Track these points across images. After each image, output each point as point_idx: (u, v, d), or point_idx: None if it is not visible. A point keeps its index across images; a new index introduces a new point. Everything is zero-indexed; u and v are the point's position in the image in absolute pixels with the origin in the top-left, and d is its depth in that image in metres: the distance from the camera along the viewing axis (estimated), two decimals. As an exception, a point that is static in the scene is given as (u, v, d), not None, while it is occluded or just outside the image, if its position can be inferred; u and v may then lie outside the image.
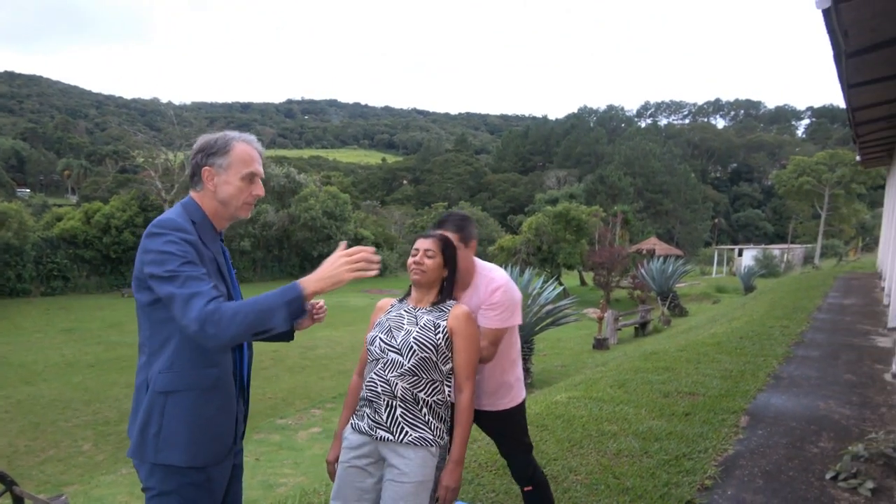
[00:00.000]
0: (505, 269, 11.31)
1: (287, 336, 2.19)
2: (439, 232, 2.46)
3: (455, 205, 57.58)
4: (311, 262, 39.59)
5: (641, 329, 17.57)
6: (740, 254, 47.58)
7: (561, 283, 32.55)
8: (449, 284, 2.41)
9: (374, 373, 2.23)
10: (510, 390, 2.70)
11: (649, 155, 77.78)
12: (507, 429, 2.73)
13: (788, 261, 42.50)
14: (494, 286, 2.51)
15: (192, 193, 2.00)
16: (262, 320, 1.70)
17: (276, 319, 1.70)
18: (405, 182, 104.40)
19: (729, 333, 8.77)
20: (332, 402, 11.34)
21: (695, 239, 71.73)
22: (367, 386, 2.24)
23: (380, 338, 2.28)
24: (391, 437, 2.15)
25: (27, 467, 9.00)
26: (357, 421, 2.26)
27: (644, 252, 37.05)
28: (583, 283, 38.45)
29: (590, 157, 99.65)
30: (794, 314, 10.22)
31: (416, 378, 2.18)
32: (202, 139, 2.02)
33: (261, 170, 2.04)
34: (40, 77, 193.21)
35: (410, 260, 2.36)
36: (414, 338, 2.21)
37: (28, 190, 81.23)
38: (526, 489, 2.71)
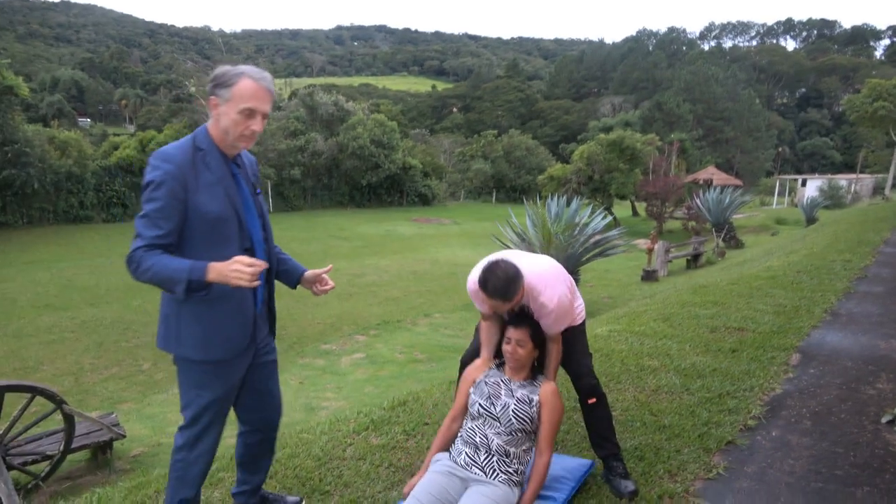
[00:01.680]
0: (553, 199, 11.01)
1: (292, 285, 2.61)
2: (524, 316, 2.65)
3: (505, 133, 56.02)
4: (359, 192, 39.64)
5: (693, 261, 17.09)
6: (804, 184, 45.47)
7: (611, 213, 31.87)
8: (539, 363, 2.77)
9: (475, 426, 2.59)
10: (573, 319, 2.84)
11: (711, 80, 73.91)
12: (570, 340, 2.83)
13: (856, 192, 40.38)
14: (547, 311, 2.61)
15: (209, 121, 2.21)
16: (165, 285, 2.02)
17: (177, 289, 1.99)
18: (455, 110, 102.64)
19: (785, 267, 8.35)
20: (376, 329, 11.46)
21: (756, 168, 68.68)
22: (467, 433, 2.60)
23: (480, 403, 2.60)
24: (483, 476, 2.46)
25: (91, 384, 9.43)
26: (455, 455, 2.57)
27: (701, 182, 35.71)
28: (635, 213, 37.50)
29: (647, 83, 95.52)
30: (859, 248, 9.66)
31: (510, 438, 2.53)
32: (217, 70, 2.18)
33: (263, 107, 2.15)
34: (94, 6, 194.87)
35: (506, 347, 2.65)
36: (512, 410, 2.55)
37: (88, 119, 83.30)
38: (590, 401, 2.84)
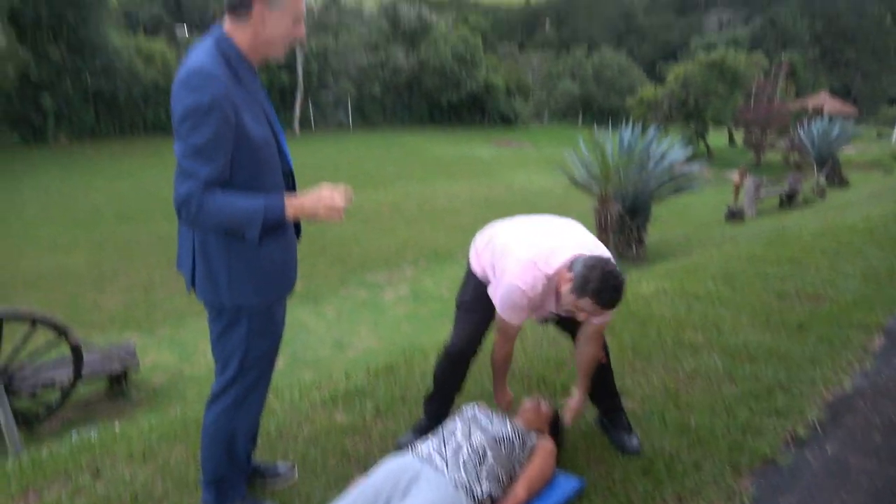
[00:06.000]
0: (627, 127, 9.96)
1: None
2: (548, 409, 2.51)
3: (597, 49, 52.71)
4: (440, 110, 38.62)
5: (787, 201, 15.52)
6: (933, 114, 40.64)
7: (704, 142, 29.59)
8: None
9: (458, 424, 2.21)
10: None
11: (836, -8, 66.30)
12: None
13: None
14: None
15: (227, 26, 1.79)
16: (238, 228, 1.74)
17: (251, 233, 1.74)
18: (547, 25, 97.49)
19: (887, 216, 7.19)
20: (428, 260, 10.96)
21: (877, 95, 61.88)
22: (444, 428, 2.22)
23: (477, 406, 2.35)
24: (442, 466, 1.98)
25: (160, 299, 9.46)
26: (416, 447, 2.11)
27: (810, 110, 32.44)
28: (732, 142, 34.76)
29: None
30: None
31: (495, 444, 2.12)
32: None
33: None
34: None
35: (527, 405, 2.49)
36: (509, 427, 2.22)
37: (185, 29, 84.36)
38: (602, 361, 2.60)
